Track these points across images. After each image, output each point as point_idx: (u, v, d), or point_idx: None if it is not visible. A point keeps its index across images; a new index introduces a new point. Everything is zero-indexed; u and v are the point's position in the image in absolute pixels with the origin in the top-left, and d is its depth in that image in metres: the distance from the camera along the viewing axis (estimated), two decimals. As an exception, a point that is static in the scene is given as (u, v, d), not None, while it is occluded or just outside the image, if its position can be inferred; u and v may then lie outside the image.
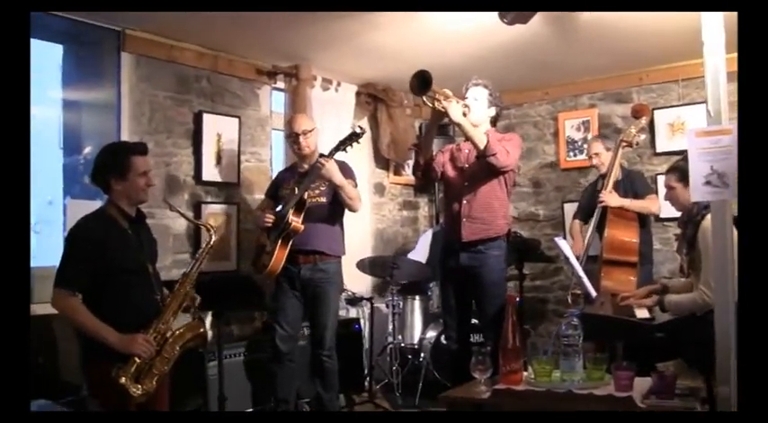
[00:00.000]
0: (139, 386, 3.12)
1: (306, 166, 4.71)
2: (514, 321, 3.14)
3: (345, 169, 4.72)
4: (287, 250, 4.53)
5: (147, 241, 3.47)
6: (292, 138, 4.75)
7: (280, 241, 4.50)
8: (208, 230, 3.61)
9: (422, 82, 4.02)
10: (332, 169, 4.48)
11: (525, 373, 3.12)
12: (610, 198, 5.06)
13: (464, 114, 4.19)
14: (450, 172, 4.49)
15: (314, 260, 4.64)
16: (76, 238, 3.24)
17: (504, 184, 4.38)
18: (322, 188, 4.64)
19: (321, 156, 4.56)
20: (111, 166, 3.30)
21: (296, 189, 4.56)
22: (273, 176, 5.30)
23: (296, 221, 4.46)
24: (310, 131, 4.75)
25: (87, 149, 4.73)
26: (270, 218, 4.58)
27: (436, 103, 4.13)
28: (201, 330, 3.38)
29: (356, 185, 4.77)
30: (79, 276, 3.16)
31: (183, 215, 3.76)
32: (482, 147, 4.15)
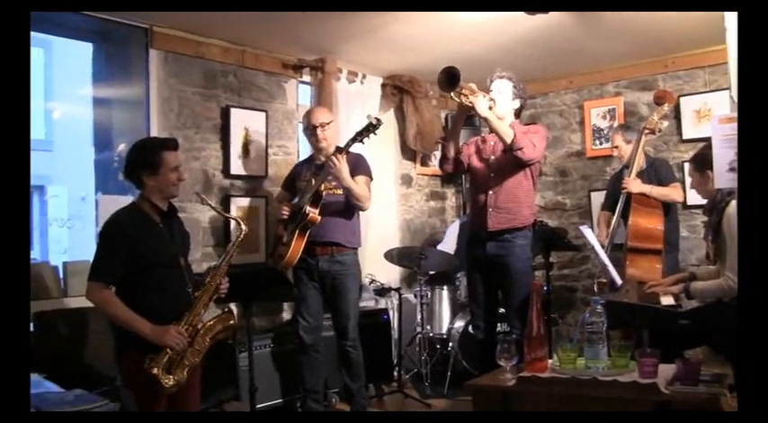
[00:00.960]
0: (171, 377, 3.20)
1: (323, 158, 4.74)
2: (539, 309, 3.16)
3: (360, 162, 4.75)
4: (304, 241, 4.57)
5: (180, 235, 3.54)
6: (310, 130, 4.79)
7: (297, 232, 4.54)
8: (239, 224, 3.68)
9: (450, 78, 4.08)
10: (342, 170, 4.49)
11: (550, 361, 3.15)
12: (632, 184, 5.05)
13: (489, 108, 4.23)
14: (476, 163, 4.53)
15: (331, 252, 4.69)
16: (110, 233, 3.31)
17: (531, 174, 4.41)
18: (343, 157, 4.60)
19: (337, 149, 4.58)
20: (142, 162, 3.37)
21: (312, 181, 4.59)
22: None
23: (313, 212, 4.50)
24: (328, 124, 4.78)
25: (121, 146, 4.81)
26: (286, 210, 4.63)
27: (463, 98, 4.18)
28: (231, 322, 3.45)
29: (371, 178, 4.80)
30: (113, 269, 3.24)
31: (214, 208, 3.81)
32: (509, 141, 4.19)
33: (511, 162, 4.32)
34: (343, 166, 4.50)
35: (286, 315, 5.53)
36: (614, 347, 3.07)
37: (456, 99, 4.23)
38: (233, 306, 3.85)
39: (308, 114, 4.90)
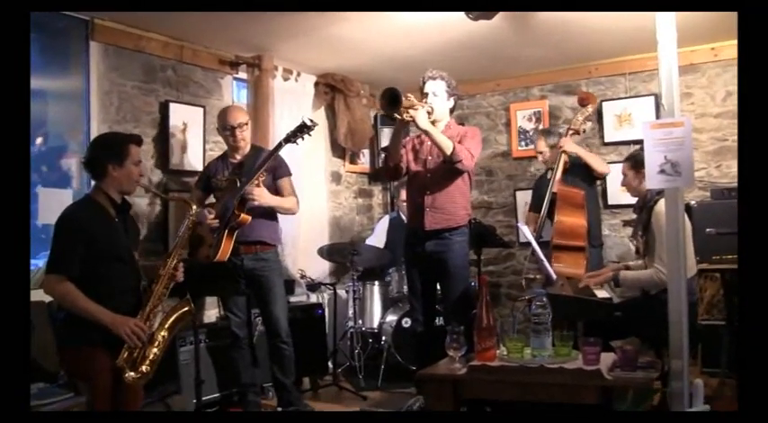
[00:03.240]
0: (131, 374, 3.24)
1: (238, 157, 4.78)
2: (488, 302, 3.32)
3: (280, 163, 4.79)
4: (233, 241, 4.57)
5: (132, 230, 3.56)
6: (228, 131, 4.75)
7: (226, 233, 4.53)
8: (188, 205, 3.71)
9: (392, 99, 4.13)
10: (263, 196, 4.55)
11: (498, 351, 3.32)
12: (567, 143, 5.36)
13: (428, 114, 4.33)
14: (414, 165, 4.61)
15: (255, 250, 4.72)
16: (68, 225, 3.30)
17: (467, 175, 4.54)
18: (261, 178, 4.62)
19: (247, 171, 4.55)
20: (110, 153, 3.39)
21: (237, 181, 4.59)
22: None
23: (243, 213, 4.51)
24: (245, 124, 4.78)
25: (39, 140, 4.72)
26: (214, 220, 4.60)
27: (405, 115, 4.23)
28: (187, 308, 3.48)
29: (290, 174, 4.86)
30: (72, 262, 3.24)
31: (158, 194, 3.89)
32: (448, 153, 4.29)
33: (448, 165, 4.44)
34: (263, 192, 4.55)
35: (208, 312, 5.54)
36: (557, 337, 3.26)
37: (398, 116, 4.26)
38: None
39: (225, 114, 4.84)
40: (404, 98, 4.21)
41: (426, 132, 4.31)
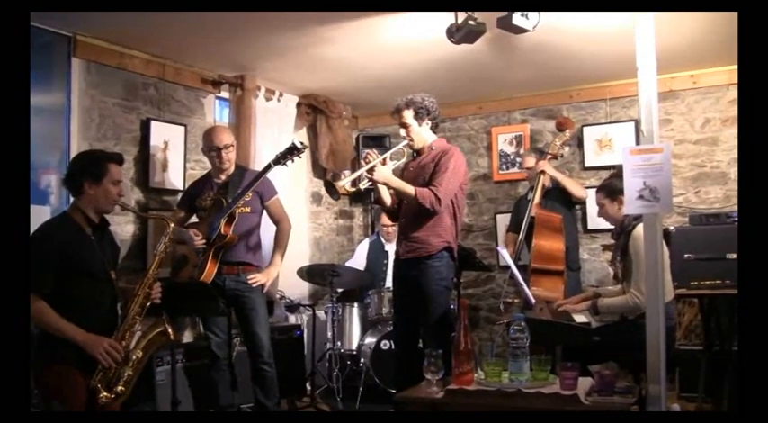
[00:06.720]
0: (107, 394, 3.19)
1: (223, 177, 4.77)
2: (467, 325, 3.31)
3: (268, 185, 4.82)
4: (218, 262, 4.57)
5: (110, 248, 3.52)
6: (214, 152, 4.74)
7: (211, 253, 4.52)
8: (166, 222, 3.68)
9: (329, 188, 4.19)
10: (268, 278, 4.73)
11: (475, 375, 3.30)
12: (546, 166, 5.44)
13: (410, 145, 4.42)
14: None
15: (237, 271, 4.69)
16: (41, 243, 3.25)
17: (450, 201, 4.42)
18: (246, 199, 4.66)
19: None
20: (88, 170, 3.36)
21: (224, 201, 4.57)
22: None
23: (230, 234, 4.52)
24: (231, 146, 4.78)
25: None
26: (201, 241, 4.57)
27: (362, 184, 4.37)
28: (161, 328, 3.44)
29: (277, 194, 4.87)
30: (44, 280, 3.18)
31: (135, 212, 3.89)
32: (411, 199, 4.29)
33: None
34: (263, 276, 4.71)
35: (185, 332, 5.51)
36: (535, 361, 3.26)
37: (360, 186, 4.44)
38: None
39: (211, 135, 4.81)
40: (364, 160, 4.30)
41: (387, 186, 4.36)
